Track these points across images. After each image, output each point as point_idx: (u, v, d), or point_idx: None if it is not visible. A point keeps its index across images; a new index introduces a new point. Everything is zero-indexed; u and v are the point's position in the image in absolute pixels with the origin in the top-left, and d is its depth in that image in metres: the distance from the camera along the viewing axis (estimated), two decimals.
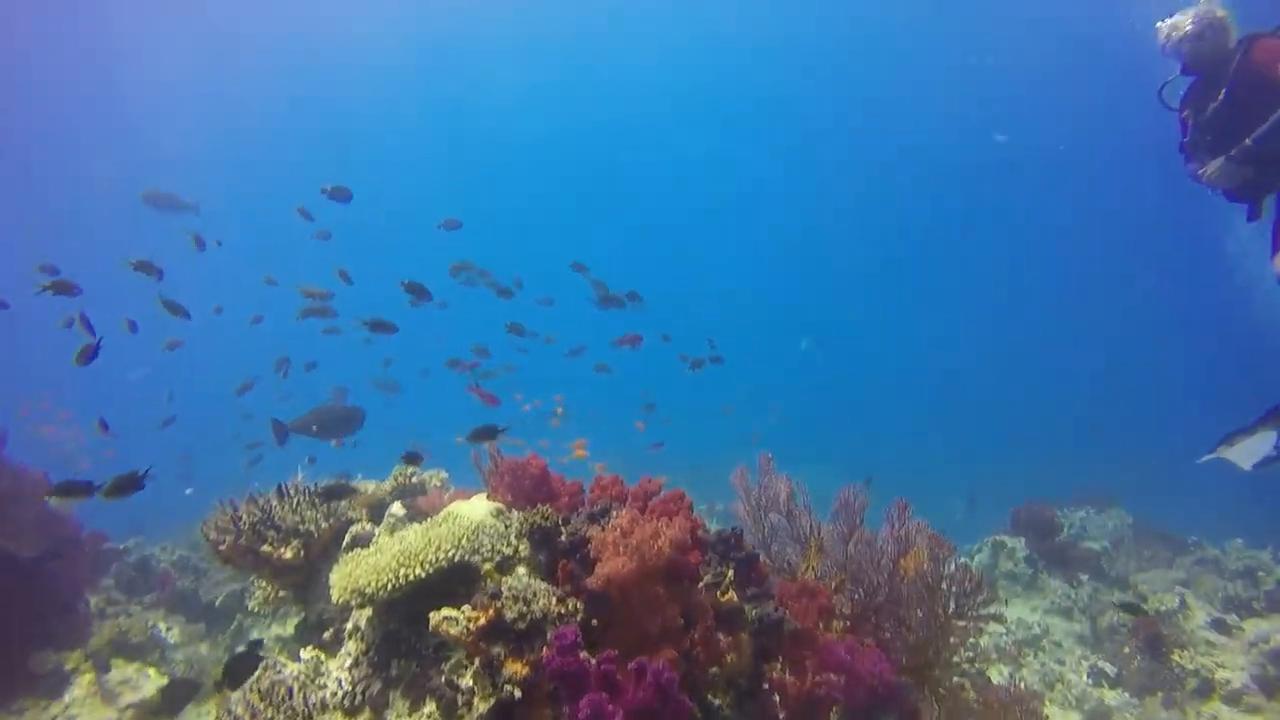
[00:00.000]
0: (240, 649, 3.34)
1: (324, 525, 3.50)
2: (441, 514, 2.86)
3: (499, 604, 2.11)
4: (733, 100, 30.61)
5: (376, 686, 2.52)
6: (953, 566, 3.10)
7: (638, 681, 1.96)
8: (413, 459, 3.72)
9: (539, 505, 2.83)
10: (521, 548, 2.55)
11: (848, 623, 3.53)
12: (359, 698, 2.51)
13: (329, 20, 24.48)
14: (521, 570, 2.46)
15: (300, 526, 3.46)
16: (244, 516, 3.44)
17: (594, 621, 2.35)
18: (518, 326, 6.70)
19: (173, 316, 5.11)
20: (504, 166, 33.18)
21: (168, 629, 5.70)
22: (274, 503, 3.53)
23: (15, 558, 5.24)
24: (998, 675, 4.89)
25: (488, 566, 2.57)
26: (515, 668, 2.05)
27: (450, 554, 2.49)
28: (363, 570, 2.51)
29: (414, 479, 4.16)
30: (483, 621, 2.06)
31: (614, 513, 2.59)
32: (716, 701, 3.14)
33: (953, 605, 3.07)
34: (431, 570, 2.46)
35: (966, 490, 12.33)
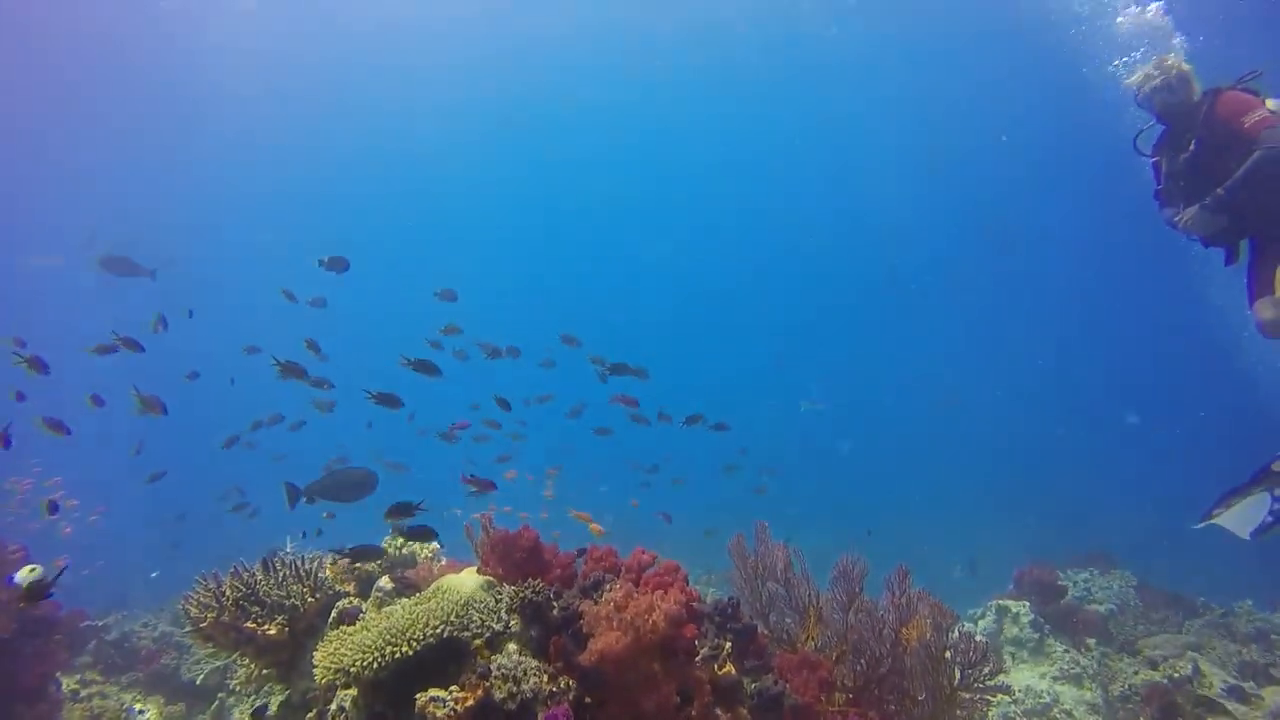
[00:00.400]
0: None
1: (310, 600, 3.40)
2: (430, 588, 2.78)
3: (487, 684, 2.03)
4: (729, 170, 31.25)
5: None
6: (956, 635, 3.02)
7: None
8: (402, 510, 3.64)
9: (530, 578, 2.76)
10: (513, 623, 2.47)
11: (850, 695, 3.42)
12: None
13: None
14: (512, 646, 2.38)
15: (285, 601, 3.36)
16: (227, 592, 3.34)
17: (587, 699, 2.27)
18: (504, 401, 6.65)
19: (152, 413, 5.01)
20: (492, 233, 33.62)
21: (142, 711, 5.47)
22: (259, 576, 3.44)
23: None
24: None
25: (478, 643, 2.49)
26: None
27: (438, 630, 2.41)
28: (348, 648, 2.42)
29: (404, 550, 4.08)
30: (470, 702, 1.98)
31: (607, 586, 2.52)
32: None
33: (958, 676, 2.97)
34: (420, 647, 2.38)
35: (965, 551, 12.14)
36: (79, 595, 6.60)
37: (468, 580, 2.95)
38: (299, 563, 3.55)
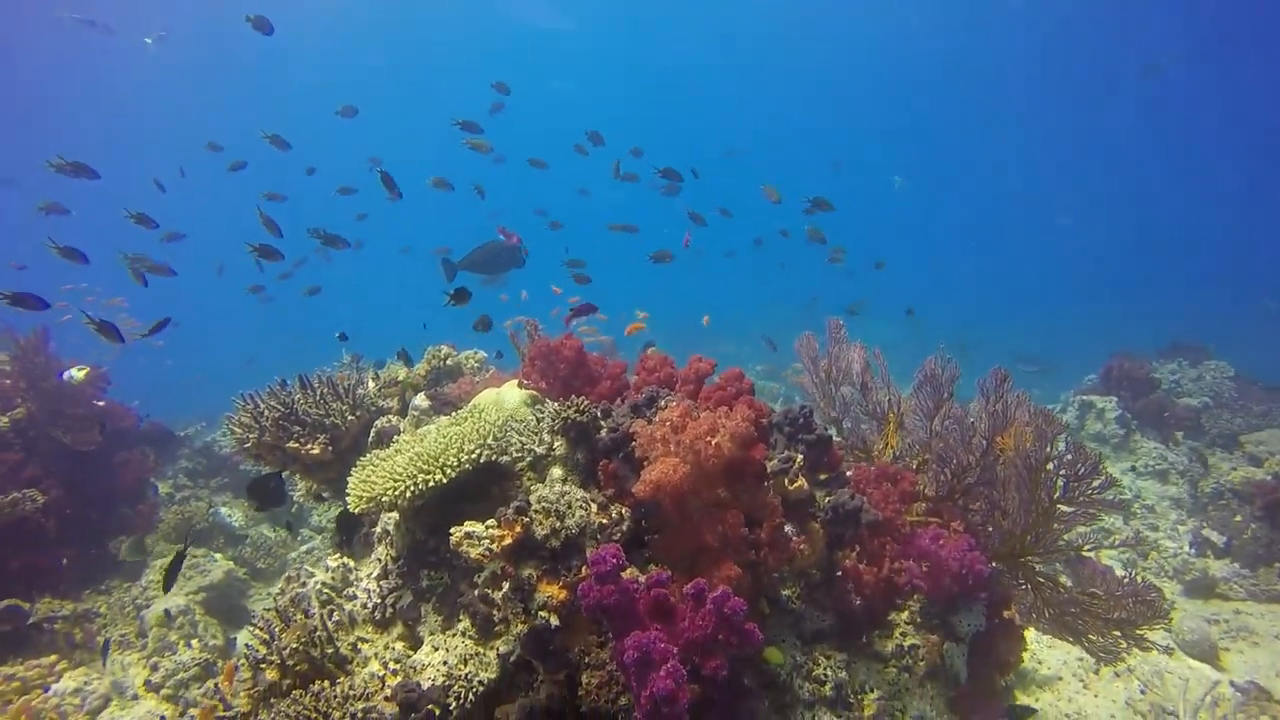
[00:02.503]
0: (263, 473, 3.19)
1: (350, 418, 3.23)
2: (466, 408, 2.52)
3: (526, 519, 1.77)
4: None
5: (407, 599, 2.28)
6: (1062, 446, 2.65)
7: (695, 609, 1.63)
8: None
9: (575, 392, 2.45)
10: (557, 445, 2.19)
11: (930, 504, 3.17)
12: (389, 610, 2.28)
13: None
14: (557, 472, 2.12)
15: (325, 420, 3.20)
16: (265, 412, 3.18)
17: (645, 531, 2.03)
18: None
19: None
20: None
21: (230, 513, 5.76)
22: (296, 395, 3.26)
23: (75, 451, 5.28)
24: (1108, 561, 4.54)
25: (522, 465, 2.24)
26: (550, 591, 1.74)
27: (474, 455, 2.16)
28: (379, 476, 2.21)
29: (448, 361, 3.84)
30: (509, 541, 1.73)
31: (662, 402, 2.19)
32: (785, 593, 2.87)
33: (1060, 489, 2.65)
34: (455, 474, 2.14)
35: (1041, 343, 11.63)
36: (161, 413, 6.82)
37: (508, 396, 2.67)
38: (337, 379, 3.36)
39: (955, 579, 2.82)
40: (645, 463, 1.90)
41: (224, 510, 5.74)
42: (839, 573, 2.94)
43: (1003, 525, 2.86)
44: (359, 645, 2.12)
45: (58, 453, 5.23)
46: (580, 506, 1.82)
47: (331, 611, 2.20)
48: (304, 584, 2.39)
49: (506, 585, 1.76)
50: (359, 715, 1.72)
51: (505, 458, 2.17)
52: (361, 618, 2.31)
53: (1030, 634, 3.43)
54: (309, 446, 3.16)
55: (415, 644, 2.20)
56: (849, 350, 3.23)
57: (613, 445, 2.05)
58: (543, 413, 2.25)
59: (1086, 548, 2.64)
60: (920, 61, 29.50)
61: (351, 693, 1.78)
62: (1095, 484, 2.52)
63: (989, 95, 30.30)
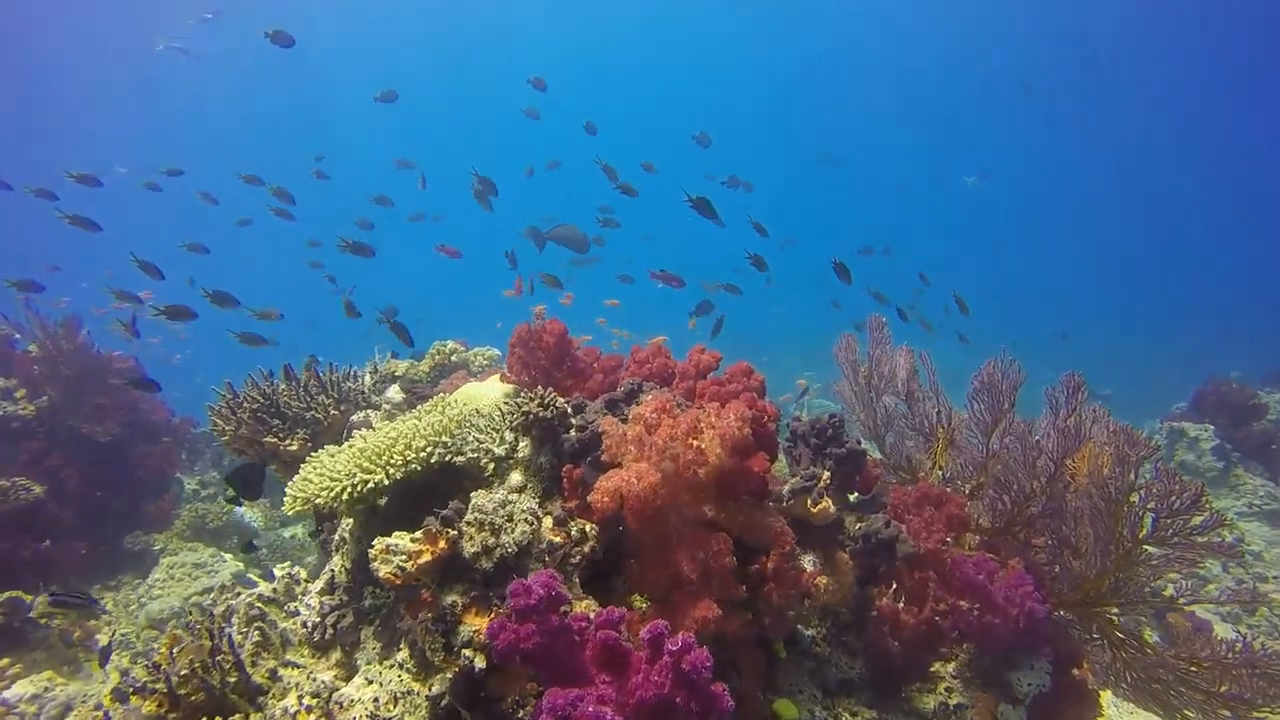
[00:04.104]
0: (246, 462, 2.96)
1: (334, 412, 2.95)
2: (432, 401, 2.19)
3: (454, 532, 1.41)
4: None
5: (348, 620, 1.95)
6: (1150, 472, 2.16)
7: (651, 661, 1.24)
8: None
9: (559, 387, 2.10)
10: (521, 446, 1.84)
11: (985, 537, 2.69)
12: (329, 631, 1.95)
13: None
14: (515, 478, 1.76)
15: (306, 414, 2.93)
16: (243, 403, 2.93)
17: (624, 556, 1.65)
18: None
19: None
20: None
21: (249, 513, 5.60)
22: (280, 386, 3.00)
23: (95, 441, 5.20)
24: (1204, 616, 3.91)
25: (489, 469, 1.90)
26: (478, 624, 1.38)
27: (425, 453, 1.83)
28: (317, 474, 1.89)
29: (454, 357, 3.55)
30: (427, 559, 1.38)
31: (645, 395, 1.81)
32: (809, 633, 2.44)
33: (1148, 526, 2.15)
34: (401, 474, 1.81)
35: (1121, 364, 10.72)
36: (191, 409, 6.76)
37: (489, 391, 2.34)
38: (324, 372, 3.09)
39: (1006, 620, 2.34)
40: (610, 471, 1.52)
41: (242, 510, 5.58)
42: (873, 613, 2.50)
43: (1073, 566, 2.37)
44: (280, 673, 1.80)
45: (78, 441, 5.16)
46: (526, 520, 1.45)
47: (260, 630, 1.89)
48: (238, 594, 2.09)
49: (427, 614, 1.41)
50: None
51: (461, 458, 1.83)
52: (298, 638, 1.99)
53: (1106, 698, 2.90)
54: (287, 442, 2.89)
55: (351, 673, 1.87)
56: (893, 354, 2.79)
57: (580, 448, 1.69)
58: (508, 410, 1.90)
59: (1182, 600, 2.14)
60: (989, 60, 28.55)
61: None
62: (1196, 521, 2.01)
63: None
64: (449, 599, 1.41)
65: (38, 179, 6.05)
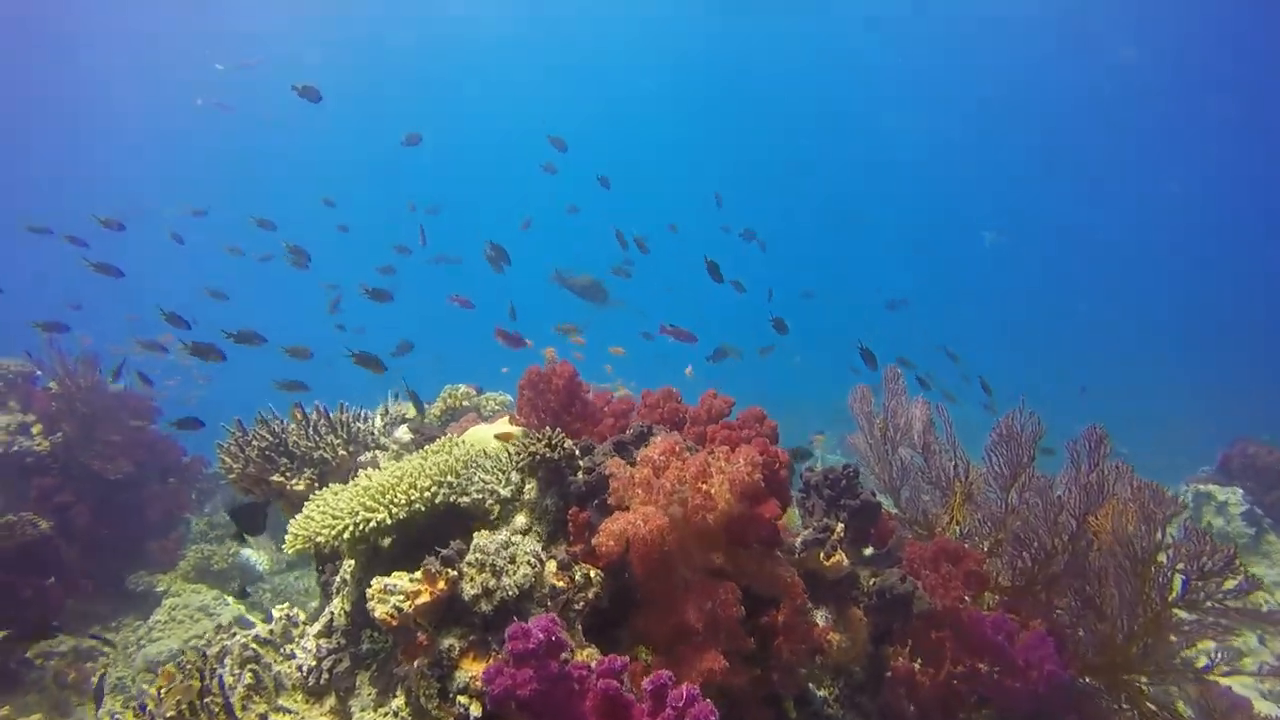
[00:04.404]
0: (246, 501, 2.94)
1: (342, 453, 2.93)
2: (439, 440, 2.17)
3: (453, 573, 1.37)
4: None
5: (345, 664, 1.90)
6: (1178, 532, 2.08)
7: (654, 713, 1.18)
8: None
9: (568, 430, 2.07)
10: (528, 488, 1.80)
11: (1004, 596, 2.60)
12: (324, 676, 1.90)
13: None
14: (520, 521, 1.72)
15: (314, 453, 2.91)
16: (252, 441, 2.92)
17: (632, 605, 1.60)
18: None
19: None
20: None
21: (254, 556, 5.54)
22: (290, 426, 3.00)
23: (106, 479, 5.20)
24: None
25: (494, 512, 1.86)
26: (475, 670, 1.32)
27: (429, 492, 1.79)
28: (319, 513, 1.87)
29: (465, 402, 3.54)
30: (426, 599, 1.34)
31: (655, 438, 1.78)
32: (821, 693, 2.34)
33: (1178, 589, 2.06)
34: (405, 513, 1.78)
35: (1145, 426, 10.51)
36: (204, 448, 6.77)
37: (494, 431, 2.31)
38: (335, 413, 3.08)
39: (1026, 684, 2.24)
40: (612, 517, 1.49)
41: (248, 553, 5.53)
42: (888, 674, 2.40)
43: (1098, 629, 2.27)
44: (270, 718, 1.74)
45: (90, 479, 5.16)
46: (528, 562, 1.41)
47: (253, 672, 1.84)
48: (234, 635, 2.04)
49: (423, 659, 1.36)
50: None
51: (466, 499, 1.79)
52: (292, 683, 1.93)
53: None
54: (294, 481, 2.86)
55: None
56: (909, 406, 2.74)
57: (587, 490, 1.65)
58: (516, 448, 1.87)
59: (1218, 670, 2.03)
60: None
61: None
62: (1230, 585, 1.93)
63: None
64: (446, 642, 1.36)
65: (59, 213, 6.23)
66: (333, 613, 2.06)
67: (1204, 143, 27.49)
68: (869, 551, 2.46)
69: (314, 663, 1.93)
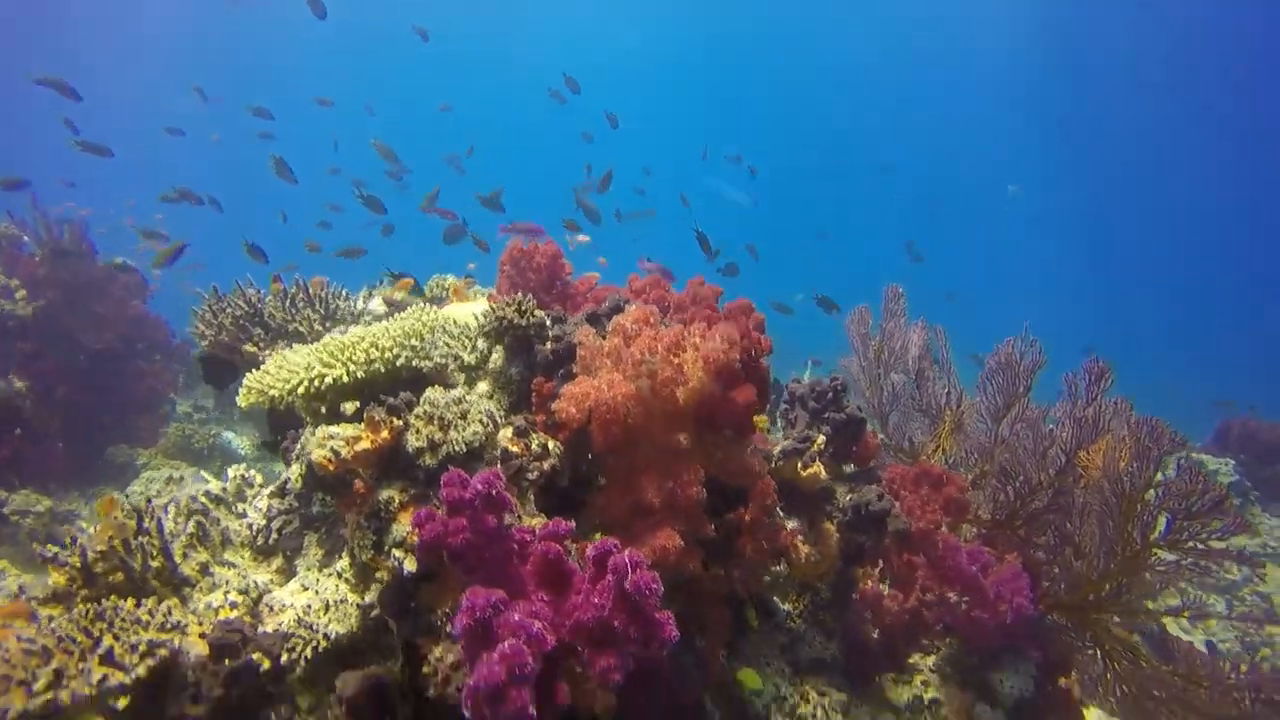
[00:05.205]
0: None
1: (319, 328, 2.84)
2: (412, 308, 2.07)
3: (399, 423, 1.28)
4: None
5: (294, 525, 1.84)
6: (1172, 471, 2.00)
7: (595, 580, 1.11)
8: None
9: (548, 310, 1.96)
10: (494, 357, 1.70)
11: (983, 529, 2.54)
12: (274, 536, 1.84)
13: None
14: (483, 388, 1.63)
15: (289, 325, 2.81)
16: (227, 309, 2.82)
17: (596, 475, 1.52)
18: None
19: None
20: None
21: (236, 439, 5.52)
22: (269, 297, 2.89)
23: (90, 350, 5.14)
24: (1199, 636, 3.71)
25: (458, 379, 1.77)
26: (409, 523, 1.24)
27: (390, 354, 1.70)
28: (277, 367, 1.78)
29: (452, 293, 3.42)
30: (366, 446, 1.25)
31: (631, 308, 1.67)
32: (786, 606, 2.31)
33: (1161, 528, 1.99)
34: (363, 373, 1.69)
35: (1144, 390, 10.41)
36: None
37: (473, 309, 2.21)
38: (314, 288, 2.97)
39: (995, 617, 2.19)
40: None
41: (230, 435, 5.51)
42: (855, 595, 2.35)
43: (1074, 567, 2.21)
44: (213, 569, 1.68)
45: (74, 349, 5.09)
46: (480, 421, 1.32)
47: (198, 523, 1.78)
48: (184, 488, 1.98)
49: (362, 509, 1.28)
50: (141, 646, 1.27)
51: (428, 363, 1.70)
52: (241, 540, 1.88)
53: (1093, 713, 2.74)
54: (267, 352, 2.77)
55: (291, 580, 1.76)
56: (906, 329, 2.63)
57: (554, 360, 1.55)
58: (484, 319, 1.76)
59: (1188, 613, 1.98)
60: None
61: (149, 619, 1.33)
62: (1216, 526, 1.85)
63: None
64: (386, 494, 1.28)
65: None
66: (289, 476, 1.99)
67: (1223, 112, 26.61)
68: (850, 469, 2.39)
69: (264, 522, 1.87)
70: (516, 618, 0.99)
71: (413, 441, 1.28)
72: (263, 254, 4.66)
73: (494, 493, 1.10)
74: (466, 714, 0.93)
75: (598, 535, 1.60)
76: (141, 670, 1.25)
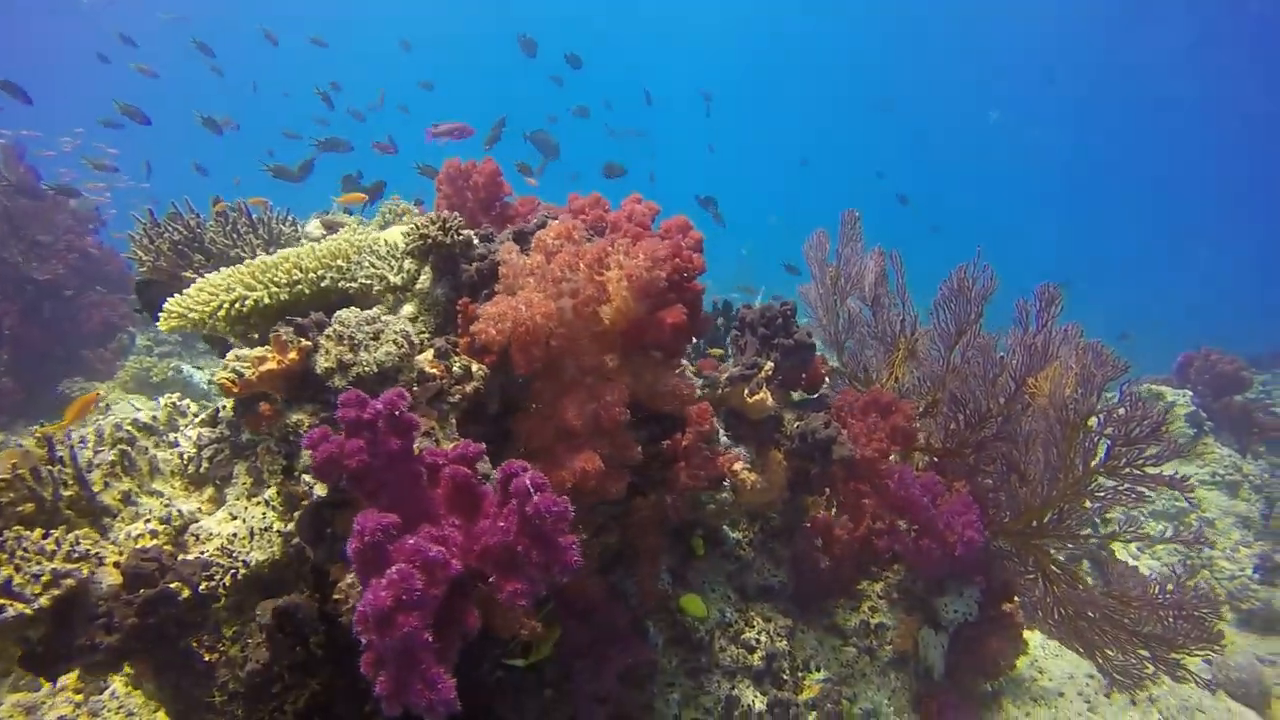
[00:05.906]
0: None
1: (261, 253, 2.73)
2: (344, 230, 1.98)
3: (307, 343, 1.22)
4: None
5: (225, 453, 1.79)
6: (1115, 397, 1.99)
7: (501, 504, 1.07)
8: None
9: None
10: (423, 278, 1.63)
11: (934, 458, 2.55)
12: (204, 465, 1.79)
13: None
14: (408, 310, 1.56)
15: (230, 252, 2.70)
16: (165, 233, 2.70)
17: (526, 400, 1.47)
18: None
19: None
20: None
21: (197, 373, 5.42)
22: (209, 221, 2.77)
23: (37, 282, 4.97)
24: (1142, 559, 3.81)
25: (384, 300, 1.70)
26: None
27: (314, 275, 1.62)
28: (199, 289, 1.70)
29: (405, 217, 3.30)
30: (271, 366, 1.19)
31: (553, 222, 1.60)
32: (735, 535, 2.32)
33: (1101, 454, 1.99)
34: (286, 295, 1.61)
35: (1115, 320, 10.58)
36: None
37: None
38: (257, 213, 2.85)
39: (944, 547, 2.21)
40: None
41: (188, 367, 5.40)
42: (806, 523, 2.37)
43: (1019, 494, 2.23)
44: (137, 498, 1.64)
45: (19, 281, 4.92)
46: (394, 341, 1.26)
47: (122, 451, 1.72)
48: (109, 416, 1.92)
49: (270, 434, 1.23)
50: (44, 576, 1.23)
51: (354, 284, 1.63)
52: (171, 469, 1.83)
53: (1035, 637, 2.82)
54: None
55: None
56: (863, 255, 2.57)
57: (479, 280, 1.49)
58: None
59: (1124, 536, 2.01)
60: None
61: (54, 549, 1.29)
62: (1151, 452, 1.86)
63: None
64: (295, 417, 1.24)
65: None
66: (221, 406, 1.94)
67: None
68: (798, 396, 2.37)
69: (194, 451, 1.82)
70: (412, 542, 0.96)
71: (321, 363, 1.23)
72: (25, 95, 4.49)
73: (398, 414, 1.05)
74: (359, 639, 0.90)
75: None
76: (45, 600, 1.22)
